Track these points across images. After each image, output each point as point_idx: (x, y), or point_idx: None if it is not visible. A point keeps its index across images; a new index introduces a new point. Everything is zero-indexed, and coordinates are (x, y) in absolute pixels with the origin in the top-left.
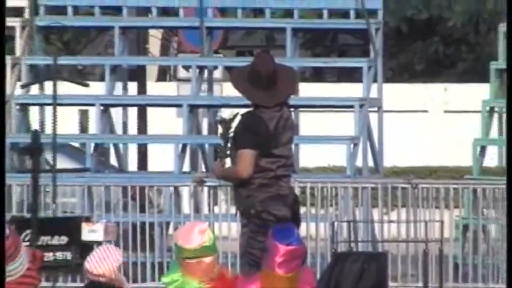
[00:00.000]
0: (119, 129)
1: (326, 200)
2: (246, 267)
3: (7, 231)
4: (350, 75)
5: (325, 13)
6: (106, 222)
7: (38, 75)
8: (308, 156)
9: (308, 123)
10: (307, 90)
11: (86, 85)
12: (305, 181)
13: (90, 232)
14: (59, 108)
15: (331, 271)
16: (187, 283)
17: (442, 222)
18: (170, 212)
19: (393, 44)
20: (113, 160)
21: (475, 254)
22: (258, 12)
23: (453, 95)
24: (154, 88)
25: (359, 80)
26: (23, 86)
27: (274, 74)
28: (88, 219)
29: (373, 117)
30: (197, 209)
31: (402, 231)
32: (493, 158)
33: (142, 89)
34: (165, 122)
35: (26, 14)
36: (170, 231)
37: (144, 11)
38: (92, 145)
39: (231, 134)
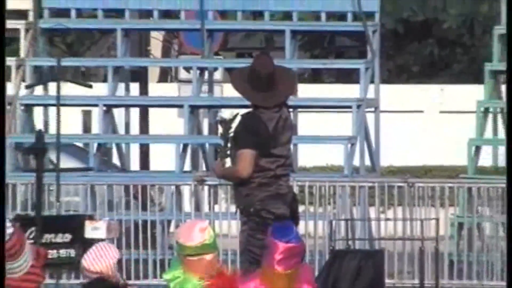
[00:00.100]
0: (121, 129)
1: (324, 199)
2: (246, 264)
3: (12, 229)
4: (348, 76)
5: (323, 15)
6: (109, 220)
7: (42, 76)
8: (307, 156)
9: (307, 123)
10: (306, 91)
11: (89, 86)
12: (303, 180)
13: (93, 230)
14: (62, 109)
15: (329, 268)
16: (188, 280)
17: (437, 220)
18: (171, 210)
19: (390, 46)
20: (115, 160)
21: (470, 252)
22: (257, 15)
23: (449, 96)
24: (156, 89)
25: (356, 81)
26: (27, 87)
27: (273, 76)
28: (91, 217)
29: (370, 117)
30: (197, 207)
31: (398, 229)
32: (488, 157)
33: (144, 90)
34: (167, 122)
35: (31, 17)
36: (172, 229)
37: (146, 13)
38: (95, 145)
39: (231, 134)
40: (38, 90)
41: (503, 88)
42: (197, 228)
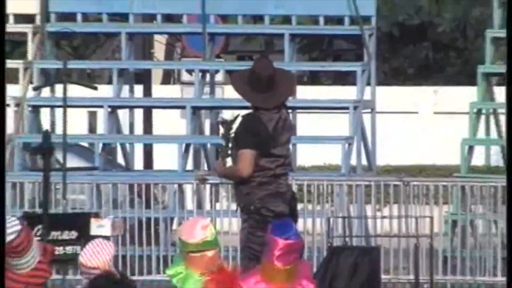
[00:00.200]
0: (125, 130)
1: (322, 197)
2: (246, 260)
3: (20, 226)
4: (345, 78)
5: (321, 19)
6: (114, 218)
7: (49, 78)
8: (305, 155)
9: (305, 124)
10: (304, 92)
11: (95, 88)
12: (302, 179)
13: (98, 227)
14: (69, 110)
15: (327, 264)
16: (190, 275)
17: (432, 218)
18: (174, 208)
19: (386, 49)
20: (120, 159)
21: (463, 248)
22: (257, 19)
23: (442, 97)
24: (159, 90)
25: (353, 83)
26: (34, 89)
27: (273, 78)
28: (96, 215)
29: (367, 118)
30: (199, 205)
31: (394, 227)
32: (481, 157)
33: (147, 92)
34: (169, 123)
35: (38, 21)
36: (174, 226)
37: (149, 17)
38: (100, 145)
39: (232, 135)
40: (45, 91)
41: (496, 90)
42: (199, 226)
